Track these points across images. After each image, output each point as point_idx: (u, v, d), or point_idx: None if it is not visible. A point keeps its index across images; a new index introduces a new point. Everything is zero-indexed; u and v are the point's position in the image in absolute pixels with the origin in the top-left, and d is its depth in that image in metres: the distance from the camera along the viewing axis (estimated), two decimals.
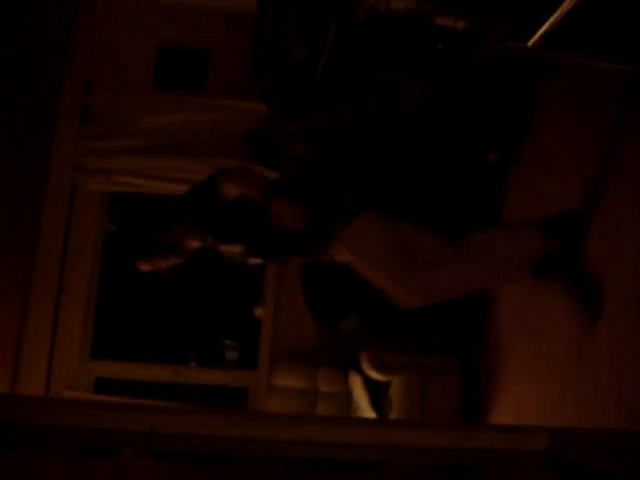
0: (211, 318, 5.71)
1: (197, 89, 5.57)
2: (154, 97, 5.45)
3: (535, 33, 2.12)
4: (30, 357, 5.18)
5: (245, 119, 5.38)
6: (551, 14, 2.01)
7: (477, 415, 4.56)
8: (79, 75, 5.48)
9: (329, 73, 4.82)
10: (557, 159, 3.57)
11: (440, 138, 4.52)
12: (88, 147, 5.34)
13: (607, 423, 2.95)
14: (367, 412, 4.72)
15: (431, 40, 3.73)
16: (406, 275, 3.00)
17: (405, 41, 4.19)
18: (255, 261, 3.47)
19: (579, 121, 3.39)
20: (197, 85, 5.59)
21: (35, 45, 5.05)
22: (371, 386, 4.70)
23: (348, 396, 4.91)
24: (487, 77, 3.92)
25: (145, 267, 3.17)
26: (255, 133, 5.31)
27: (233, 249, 3.24)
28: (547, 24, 2.07)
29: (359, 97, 4.83)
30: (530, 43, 2.16)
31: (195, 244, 3.23)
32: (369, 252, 3.02)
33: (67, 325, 5.32)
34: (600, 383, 3.04)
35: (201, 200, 3.14)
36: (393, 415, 4.59)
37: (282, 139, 5.32)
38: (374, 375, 4.63)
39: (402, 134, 4.71)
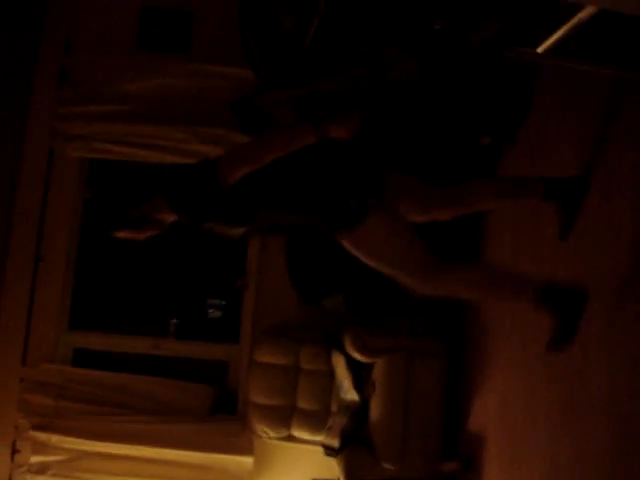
0: (192, 287, 5.58)
1: (181, 52, 5.36)
2: (136, 59, 5.23)
3: (546, 40, 1.97)
4: (6, 328, 5.07)
5: (230, 85, 5.19)
6: (565, 23, 1.88)
7: (460, 400, 4.51)
8: (57, 35, 5.25)
9: (319, 42, 4.64)
10: (556, 150, 3.44)
11: (431, 115, 4.37)
12: (66, 112, 5.14)
13: (594, 423, 2.90)
14: (350, 393, 4.65)
15: (428, 18, 3.56)
16: (421, 270, 2.89)
17: (399, 15, 4.01)
18: (238, 232, 3.33)
19: (579, 112, 3.25)
20: (181, 48, 5.37)
21: (9, 2, 4.81)
22: (354, 367, 4.62)
23: (331, 374, 4.84)
24: (484, 59, 3.76)
25: (120, 235, 2.97)
26: (241, 100, 5.12)
27: (234, 231, 3.11)
28: (560, 32, 1.93)
29: (351, 68, 4.65)
30: (540, 49, 2.02)
31: (173, 218, 3.00)
32: (380, 252, 2.88)
33: (44, 295, 5.19)
34: (590, 377, 2.97)
35: (197, 191, 2.80)
36: (376, 396, 4.53)
37: (269, 108, 5.15)
38: (357, 356, 4.55)
39: (393, 107, 4.56)
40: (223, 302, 5.62)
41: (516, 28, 2.04)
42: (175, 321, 5.49)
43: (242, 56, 4.85)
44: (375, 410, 4.53)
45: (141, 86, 5.18)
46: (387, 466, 4.41)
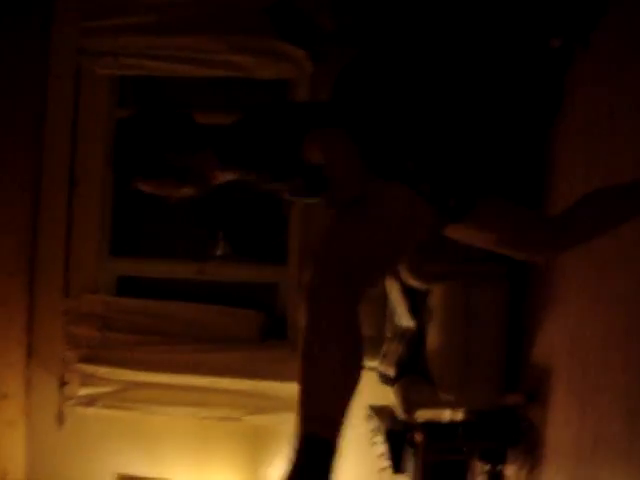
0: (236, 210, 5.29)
1: None
2: None
3: None
4: (45, 259, 4.89)
5: None
6: None
7: (525, 329, 4.21)
8: None
9: None
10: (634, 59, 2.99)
11: (493, 14, 3.90)
12: (92, 27, 4.79)
13: None
14: (405, 319, 4.39)
15: None
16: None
17: None
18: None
19: None
20: None
21: None
22: (410, 292, 4.34)
23: (385, 299, 4.57)
24: None
25: (145, 188, 2.32)
26: (278, 4, 4.69)
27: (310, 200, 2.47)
28: None
29: None
30: None
31: (228, 177, 2.38)
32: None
33: (82, 222, 4.98)
34: None
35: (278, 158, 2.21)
36: (434, 324, 4.27)
37: (309, 11, 4.72)
38: (412, 282, 4.26)
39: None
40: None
41: None
42: (222, 242, 5.23)
43: None
44: (432, 338, 4.27)
45: None
46: (446, 397, 4.18)
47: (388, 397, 4.51)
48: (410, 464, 4.20)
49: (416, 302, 4.39)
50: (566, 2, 3.48)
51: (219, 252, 5.43)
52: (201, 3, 4.76)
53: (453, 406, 4.41)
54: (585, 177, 3.56)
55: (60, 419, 4.92)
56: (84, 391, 4.84)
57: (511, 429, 4.10)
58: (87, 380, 4.83)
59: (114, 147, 2.32)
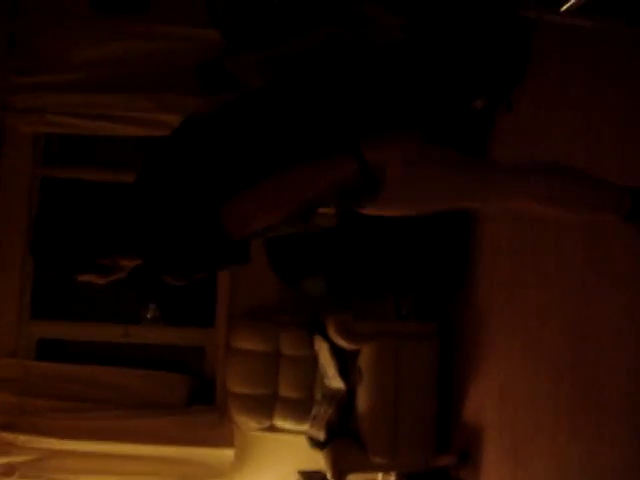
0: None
1: (139, 12, 4.92)
2: (91, 24, 4.78)
3: None
4: None
5: (195, 48, 4.75)
6: None
7: (454, 387, 4.18)
8: None
9: None
10: (557, 111, 3.06)
11: (417, 76, 3.97)
12: (16, 83, 4.68)
13: (608, 426, 2.58)
14: (334, 380, 4.32)
15: None
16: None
17: None
18: None
19: (583, 73, 2.87)
20: (139, 8, 4.94)
21: None
22: (339, 353, 4.28)
23: (314, 360, 4.50)
24: (478, 13, 3.34)
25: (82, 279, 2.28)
26: (207, 64, 4.70)
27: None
28: None
29: (327, 26, 4.23)
30: (563, 8, 1.64)
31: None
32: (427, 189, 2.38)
33: (2, 283, 4.80)
34: (603, 373, 2.65)
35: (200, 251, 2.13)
36: (364, 385, 4.20)
37: (237, 72, 4.74)
38: (341, 343, 4.20)
39: (375, 70, 4.16)
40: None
41: None
42: (152, 306, 5.11)
43: (206, 15, 4.43)
44: (362, 400, 4.20)
45: (97, 52, 4.74)
46: (377, 460, 4.10)
47: (318, 462, 4.40)
48: None
49: (346, 363, 4.33)
50: (488, 65, 3.56)
51: (149, 315, 5.30)
52: (130, 62, 4.73)
53: (385, 469, 4.33)
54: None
55: None
56: (2, 460, 4.58)
57: None
58: (5, 449, 4.57)
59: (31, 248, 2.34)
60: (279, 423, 4.57)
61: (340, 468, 4.15)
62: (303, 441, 4.49)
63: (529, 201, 2.32)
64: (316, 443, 4.34)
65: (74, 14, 4.81)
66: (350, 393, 4.26)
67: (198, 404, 4.80)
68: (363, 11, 4.11)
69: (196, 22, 4.69)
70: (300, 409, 4.53)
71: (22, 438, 4.59)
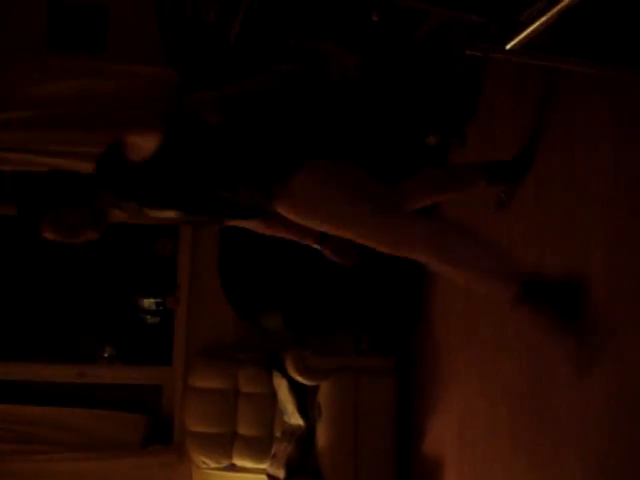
0: (120, 308, 5.13)
1: (96, 51, 4.91)
2: (46, 60, 4.75)
3: (517, 36, 1.63)
4: None
5: (152, 86, 4.75)
6: (540, 16, 1.54)
7: (414, 421, 4.18)
8: None
9: (246, 36, 4.26)
10: (507, 149, 3.12)
11: (372, 114, 4.02)
12: None
13: (566, 454, 2.59)
14: (294, 417, 4.28)
15: (365, 8, 3.20)
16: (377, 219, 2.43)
17: (334, 5, 3.66)
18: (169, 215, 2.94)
19: (530, 108, 2.94)
20: (96, 46, 4.91)
21: None
22: (298, 389, 4.25)
23: (273, 397, 4.47)
24: (430, 52, 3.41)
25: (49, 235, 2.68)
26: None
27: (167, 214, 2.80)
28: (533, 26, 1.59)
29: (282, 64, 4.27)
30: (509, 46, 1.68)
31: (118, 216, 2.85)
32: (324, 206, 2.45)
33: None
34: (560, 402, 2.67)
35: (112, 169, 2.72)
36: (323, 422, 4.17)
37: (194, 109, 4.75)
38: (300, 379, 4.18)
39: (330, 107, 4.20)
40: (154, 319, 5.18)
41: (468, 18, 1.71)
42: (108, 347, 5.04)
43: (163, 54, 4.44)
44: (322, 436, 4.17)
45: (52, 89, 4.69)
46: None
47: None
48: None
49: (305, 399, 4.31)
50: (440, 103, 3.62)
51: (106, 354, 5.23)
52: (86, 99, 4.71)
53: None
54: None
55: None
56: None
57: None
58: None
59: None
60: (239, 462, 4.52)
61: None
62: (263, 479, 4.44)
63: (424, 249, 2.42)
64: None
65: (29, 51, 4.79)
66: (310, 429, 4.23)
67: (155, 444, 4.73)
68: (317, 49, 4.18)
69: (153, 61, 4.70)
70: (259, 447, 4.48)
71: None
